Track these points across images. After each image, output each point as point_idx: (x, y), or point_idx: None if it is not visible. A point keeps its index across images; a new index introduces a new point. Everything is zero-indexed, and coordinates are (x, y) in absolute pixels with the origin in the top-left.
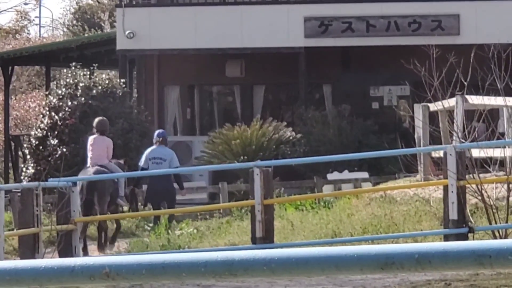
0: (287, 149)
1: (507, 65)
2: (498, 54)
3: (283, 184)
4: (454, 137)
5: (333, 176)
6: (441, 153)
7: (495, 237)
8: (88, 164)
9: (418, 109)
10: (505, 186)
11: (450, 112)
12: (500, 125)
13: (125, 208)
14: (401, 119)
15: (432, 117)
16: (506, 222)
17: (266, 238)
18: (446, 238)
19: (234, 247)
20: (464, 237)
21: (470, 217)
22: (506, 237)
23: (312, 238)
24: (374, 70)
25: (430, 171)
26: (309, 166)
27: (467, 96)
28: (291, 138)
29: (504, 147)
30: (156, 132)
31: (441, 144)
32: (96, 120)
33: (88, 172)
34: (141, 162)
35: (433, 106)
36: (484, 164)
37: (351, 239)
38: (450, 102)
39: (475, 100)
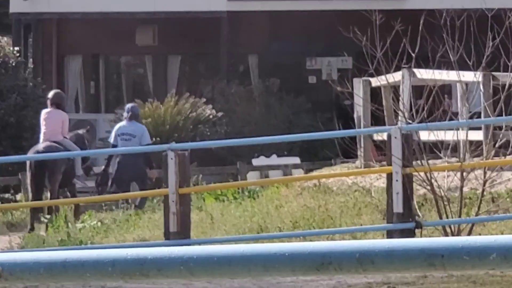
0: (207, 129)
1: (461, 34)
2: (451, 21)
3: (202, 170)
4: (399, 117)
5: (259, 161)
6: (385, 136)
7: (446, 234)
8: (41, 141)
9: (358, 84)
10: (458, 174)
11: (395, 88)
12: (453, 103)
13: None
14: (338, 96)
15: (375, 94)
16: (459, 216)
17: (181, 233)
18: (390, 234)
19: (144, 243)
20: (410, 233)
21: (418, 210)
22: (459, 233)
23: (234, 234)
24: (309, 39)
25: (371, 156)
26: (232, 150)
27: (415, 70)
28: (211, 116)
29: (457, 129)
30: (126, 106)
31: (384, 125)
32: (52, 92)
33: (38, 148)
34: (111, 139)
35: (375, 81)
36: (434, 149)
37: (279, 234)
38: (396, 77)
39: (424, 74)
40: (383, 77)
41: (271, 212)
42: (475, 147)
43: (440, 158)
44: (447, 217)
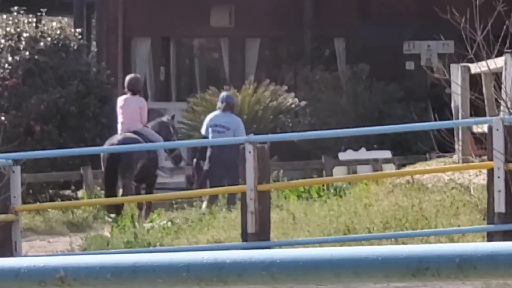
0: (288, 120)
1: None
2: None
3: (283, 165)
4: (501, 107)
5: (346, 155)
6: (485, 128)
7: None
8: (119, 131)
9: (455, 70)
10: None
11: (497, 75)
12: None
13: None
14: (434, 84)
15: (474, 81)
16: None
17: (260, 234)
18: (491, 236)
19: (219, 245)
20: None
21: None
22: None
23: (318, 235)
24: (403, 20)
25: (470, 150)
26: (316, 143)
27: None
28: (293, 106)
29: None
30: (221, 95)
31: (485, 115)
32: (128, 77)
33: (114, 139)
34: (202, 130)
35: (475, 67)
36: None
37: (369, 236)
38: (498, 62)
39: None
40: (483, 63)
41: (359, 211)
42: None
43: None
44: None
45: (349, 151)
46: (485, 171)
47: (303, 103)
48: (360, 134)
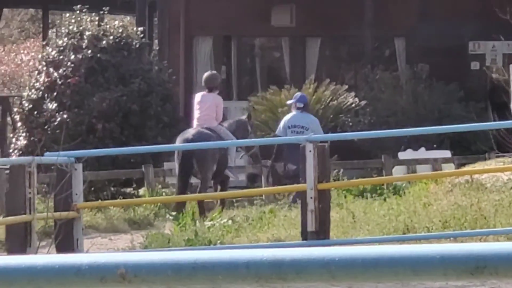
0: (348, 119)
1: None
2: None
3: (343, 164)
4: None
5: (406, 154)
6: None
7: None
8: (194, 126)
9: None
10: None
11: None
12: None
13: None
14: (494, 84)
15: None
16: None
17: (319, 232)
18: None
19: (280, 243)
20: None
21: None
22: None
23: (378, 234)
24: (463, 20)
25: None
26: (376, 142)
27: None
28: (353, 105)
29: None
30: (296, 94)
31: None
32: (205, 74)
33: (187, 135)
34: (278, 130)
35: None
36: None
37: (428, 235)
38: None
39: None
40: None
41: (418, 210)
42: None
43: None
44: None
45: (409, 151)
46: None
47: (363, 102)
48: (419, 134)
